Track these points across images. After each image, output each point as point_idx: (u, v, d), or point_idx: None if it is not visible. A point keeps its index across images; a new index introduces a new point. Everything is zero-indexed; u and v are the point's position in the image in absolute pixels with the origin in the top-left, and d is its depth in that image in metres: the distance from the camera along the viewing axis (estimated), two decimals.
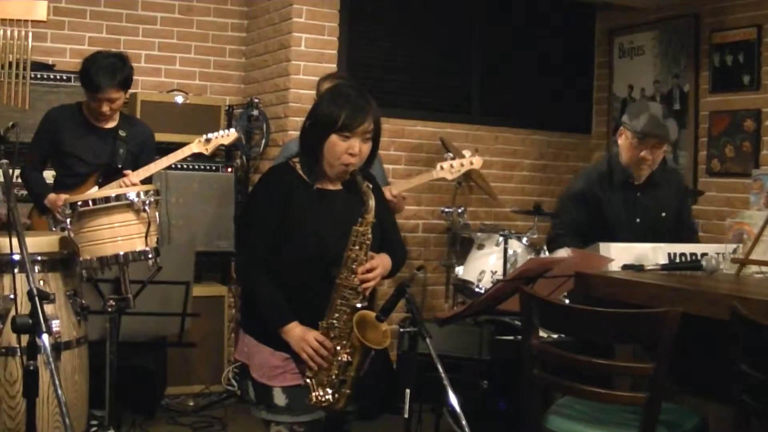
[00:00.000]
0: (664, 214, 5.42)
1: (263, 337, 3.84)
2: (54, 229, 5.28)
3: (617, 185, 5.37)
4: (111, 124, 5.74)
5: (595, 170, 5.52)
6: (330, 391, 3.72)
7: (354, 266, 3.72)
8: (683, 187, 5.73)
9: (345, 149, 3.76)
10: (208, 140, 5.82)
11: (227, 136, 5.89)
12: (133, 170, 5.62)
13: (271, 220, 3.79)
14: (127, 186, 5.34)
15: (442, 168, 6.32)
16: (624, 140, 5.30)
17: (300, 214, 3.79)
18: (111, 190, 4.95)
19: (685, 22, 7.81)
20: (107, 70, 5.49)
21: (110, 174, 5.63)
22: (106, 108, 5.57)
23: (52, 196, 5.45)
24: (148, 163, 5.73)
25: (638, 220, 5.36)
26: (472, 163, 6.39)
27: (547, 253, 6.06)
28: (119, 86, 5.54)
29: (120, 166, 5.65)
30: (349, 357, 3.71)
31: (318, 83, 6.30)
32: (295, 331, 3.74)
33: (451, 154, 6.70)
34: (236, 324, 7.18)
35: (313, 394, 3.73)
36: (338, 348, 3.72)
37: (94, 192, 5.27)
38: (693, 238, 5.50)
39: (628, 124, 5.23)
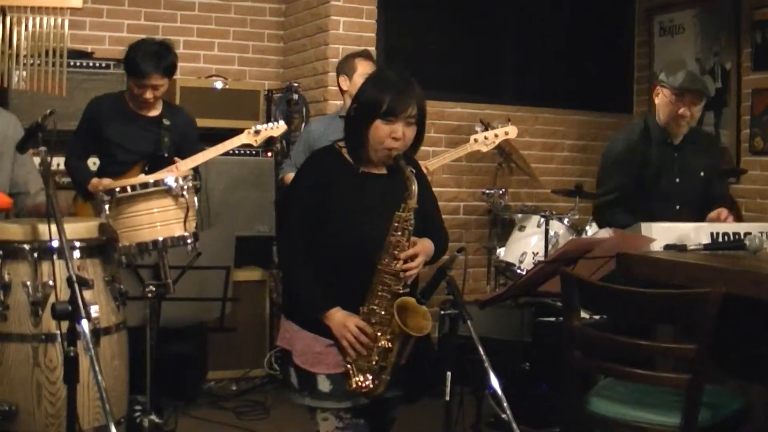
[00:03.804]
0: (702, 174, 5.43)
1: (305, 323, 3.82)
2: (99, 215, 5.31)
3: (655, 145, 5.39)
4: (154, 113, 5.77)
5: (634, 131, 5.54)
6: (370, 377, 3.70)
7: (396, 252, 3.69)
8: (719, 150, 5.74)
9: (389, 133, 3.73)
10: (257, 132, 5.84)
11: (277, 128, 5.90)
12: (176, 157, 5.65)
13: (312, 204, 3.78)
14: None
15: (476, 141, 6.28)
16: (661, 98, 5.33)
17: (342, 199, 3.77)
18: (149, 176, 4.96)
19: (726, 0, 7.72)
20: (152, 56, 5.52)
21: (156, 162, 5.64)
22: (149, 95, 5.60)
23: (95, 180, 5.47)
24: (191, 149, 5.75)
25: (677, 180, 5.38)
26: (507, 133, 6.37)
27: (593, 226, 6.02)
28: (164, 73, 5.58)
29: (166, 155, 5.67)
30: (389, 344, 3.69)
31: (348, 61, 6.21)
32: (336, 316, 3.72)
33: (483, 127, 6.67)
34: (278, 309, 7.19)
35: (353, 379, 3.71)
36: (378, 334, 3.69)
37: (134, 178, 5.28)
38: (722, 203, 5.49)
39: (666, 81, 5.26)
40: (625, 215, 5.25)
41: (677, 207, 5.36)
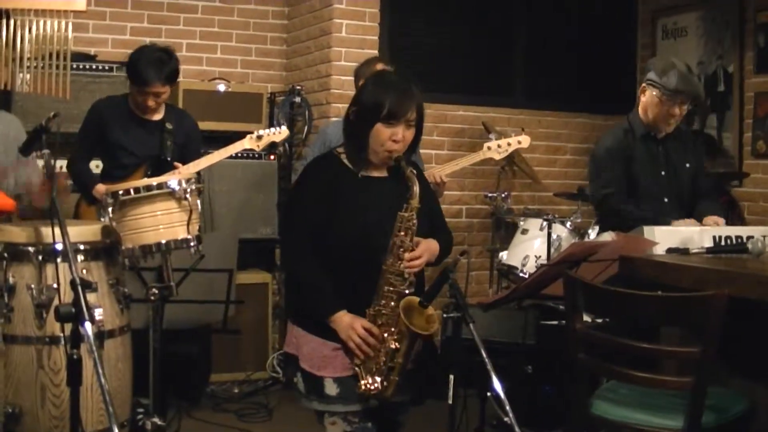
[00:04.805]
0: (688, 165, 5.50)
1: (312, 327, 3.81)
2: (103, 219, 5.32)
3: (640, 139, 5.44)
4: (157, 116, 5.77)
5: (619, 128, 5.59)
6: (378, 378, 3.69)
7: (400, 252, 3.70)
8: (701, 146, 5.79)
9: (389, 136, 3.73)
10: (259, 137, 5.85)
11: (279, 133, 5.91)
12: (179, 161, 5.65)
13: (317, 207, 3.77)
14: None
15: (489, 148, 6.28)
16: (650, 98, 5.37)
17: (346, 202, 3.77)
18: (152, 179, 4.96)
19: (729, 2, 7.69)
20: (155, 64, 5.52)
21: (158, 166, 5.65)
22: (151, 102, 5.61)
23: (100, 186, 5.47)
24: (194, 154, 5.76)
25: (663, 172, 5.43)
26: (519, 143, 6.38)
27: (595, 229, 6.02)
28: (166, 81, 5.58)
29: (168, 158, 5.67)
30: (396, 344, 3.68)
31: (369, 66, 6.18)
32: (343, 319, 3.71)
33: (494, 135, 6.68)
34: (281, 312, 7.20)
35: (362, 381, 3.70)
36: (386, 335, 3.69)
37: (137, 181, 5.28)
38: (712, 196, 5.61)
39: (658, 81, 5.28)
40: (634, 206, 5.29)
41: (665, 200, 5.40)
